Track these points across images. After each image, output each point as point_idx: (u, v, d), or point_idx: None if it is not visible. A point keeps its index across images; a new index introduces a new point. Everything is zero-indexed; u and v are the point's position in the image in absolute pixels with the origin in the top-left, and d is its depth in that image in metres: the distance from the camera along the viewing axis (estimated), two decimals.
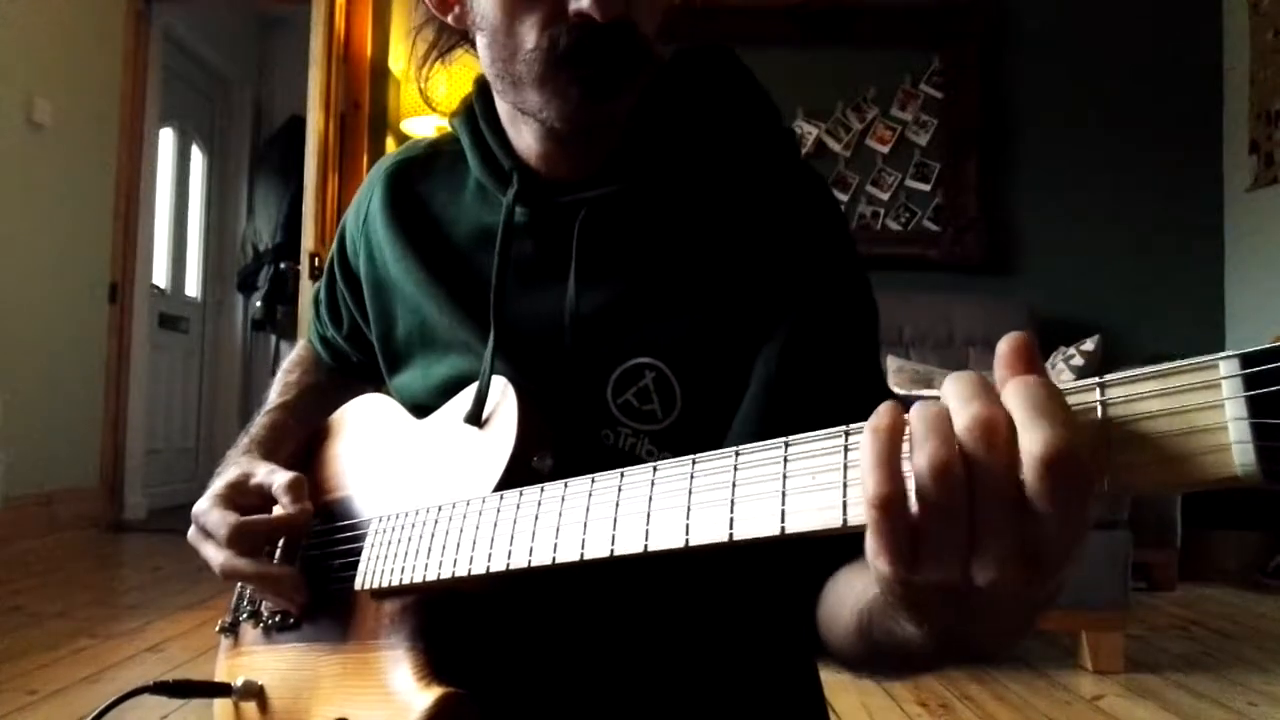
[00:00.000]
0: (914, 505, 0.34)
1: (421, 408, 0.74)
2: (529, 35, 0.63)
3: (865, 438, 0.35)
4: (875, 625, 0.46)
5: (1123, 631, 2.08)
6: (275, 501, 0.73)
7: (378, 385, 0.86)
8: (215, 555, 0.71)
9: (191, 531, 0.73)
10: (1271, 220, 3.31)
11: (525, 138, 0.72)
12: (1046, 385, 0.33)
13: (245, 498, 0.74)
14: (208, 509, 0.72)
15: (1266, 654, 2.24)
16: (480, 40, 0.68)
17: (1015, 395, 0.33)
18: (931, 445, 0.33)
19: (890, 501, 0.34)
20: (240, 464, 0.77)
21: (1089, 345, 2.98)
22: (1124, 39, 3.56)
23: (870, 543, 0.36)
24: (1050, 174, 3.55)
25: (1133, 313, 3.43)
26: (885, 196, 3.56)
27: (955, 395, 0.34)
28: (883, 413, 0.36)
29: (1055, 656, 2.18)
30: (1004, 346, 0.35)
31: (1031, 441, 0.31)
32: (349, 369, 0.93)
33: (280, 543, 0.74)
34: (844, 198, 3.54)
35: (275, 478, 0.73)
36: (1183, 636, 2.40)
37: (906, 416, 0.36)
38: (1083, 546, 0.33)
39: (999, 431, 0.33)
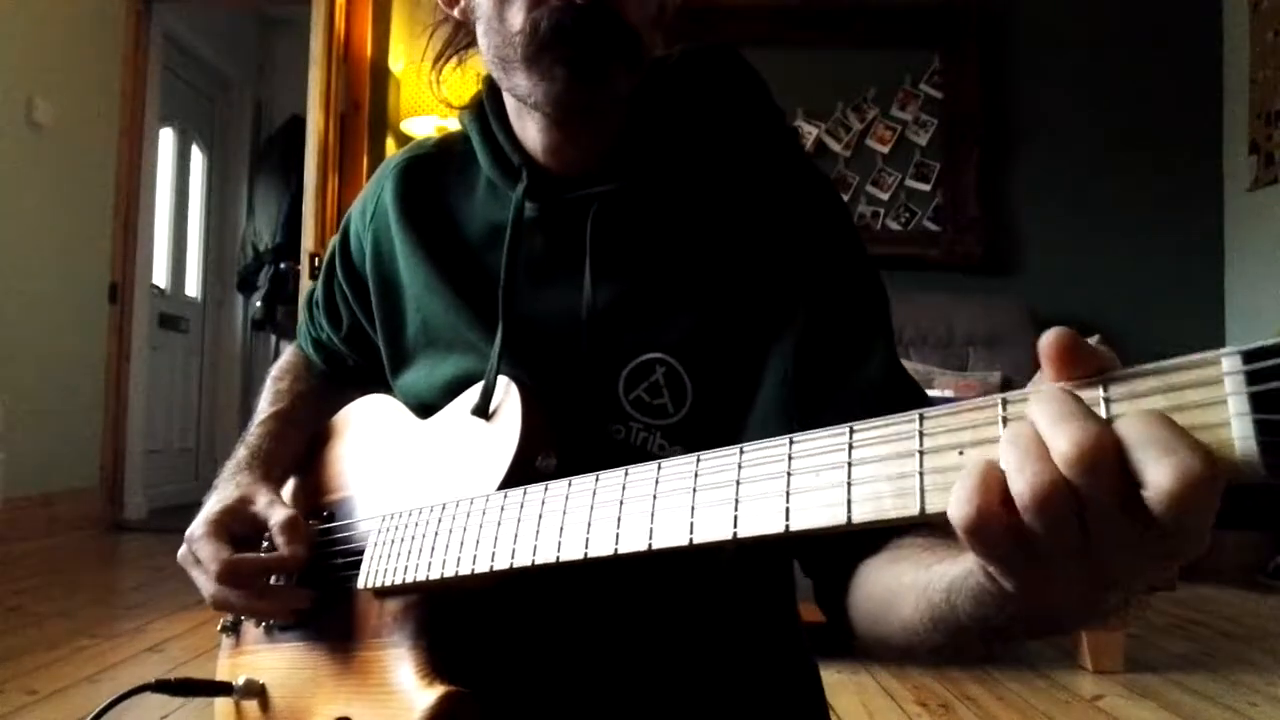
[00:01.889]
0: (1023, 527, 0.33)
1: (426, 407, 0.74)
2: (516, 19, 0.64)
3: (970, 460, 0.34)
4: (961, 611, 0.44)
5: (1123, 631, 2.08)
6: (269, 532, 0.72)
7: (371, 389, 0.85)
8: (205, 585, 0.71)
9: (182, 552, 0.73)
10: (1271, 220, 3.31)
11: (530, 131, 0.72)
12: (1158, 416, 0.31)
13: (240, 525, 0.73)
14: (200, 536, 0.71)
15: (1266, 654, 2.23)
16: (479, 30, 0.69)
17: (1132, 426, 0.31)
18: (1032, 470, 0.32)
19: (983, 522, 0.33)
20: (240, 484, 0.76)
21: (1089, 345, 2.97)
22: (1124, 39, 3.56)
23: (979, 562, 0.36)
24: (1050, 174, 3.54)
25: (1133, 313, 3.43)
26: (885, 196, 3.56)
27: (1046, 415, 0.33)
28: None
29: (1055, 656, 2.18)
30: (1046, 341, 0.34)
31: (1161, 475, 0.30)
32: (343, 373, 0.92)
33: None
34: (844, 198, 3.53)
35: (273, 513, 0.73)
36: (1183, 636, 2.40)
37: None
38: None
39: (1106, 459, 0.31)
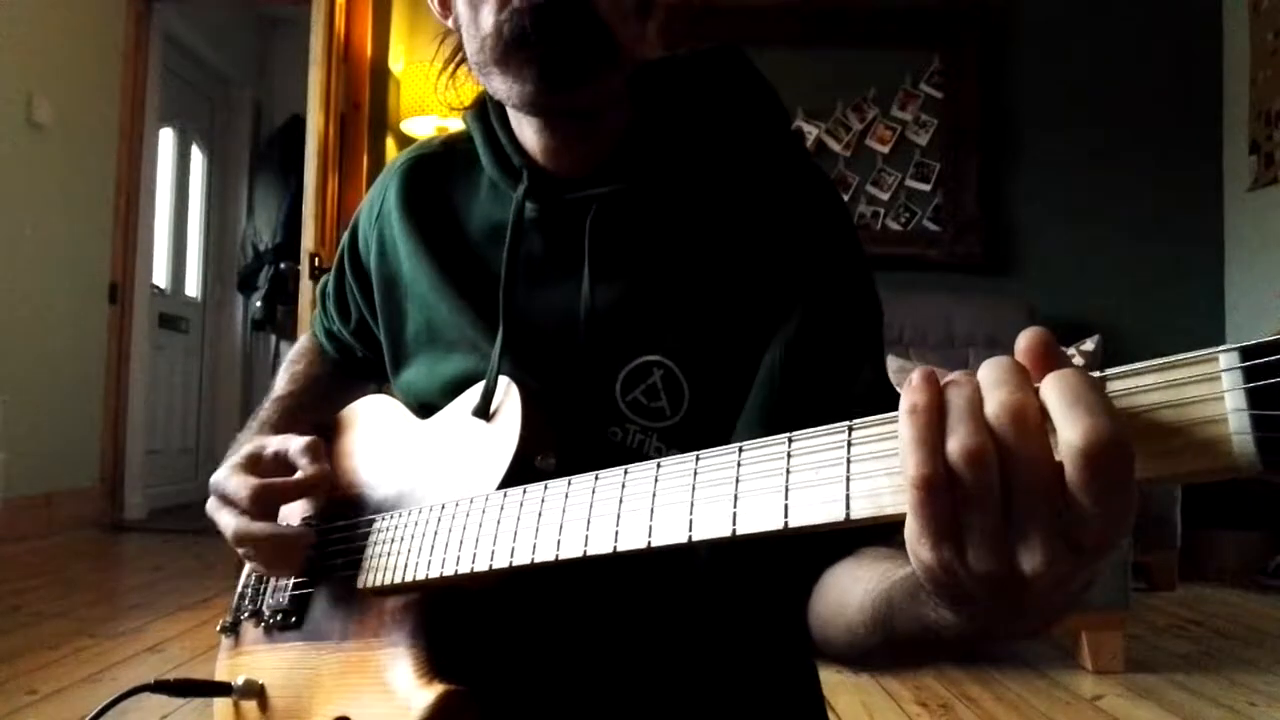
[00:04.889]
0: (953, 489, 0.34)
1: (427, 406, 0.74)
2: (487, 22, 0.64)
3: (902, 417, 0.35)
4: (899, 614, 0.46)
5: (1123, 631, 2.08)
6: (293, 467, 0.72)
7: (381, 381, 0.86)
8: (231, 520, 0.70)
9: (210, 502, 0.73)
10: (1271, 220, 3.31)
11: (528, 134, 0.72)
12: (1084, 376, 0.32)
13: (263, 466, 0.73)
14: (227, 476, 0.72)
15: (1266, 654, 2.24)
16: (464, 37, 0.70)
17: (1051, 386, 0.33)
18: (964, 430, 0.33)
19: (931, 482, 0.34)
20: (253, 441, 0.77)
21: (1089, 345, 2.98)
22: (1124, 39, 3.56)
23: (912, 526, 0.35)
24: (1050, 174, 3.54)
25: (1133, 313, 3.43)
26: (885, 196, 3.56)
27: (986, 380, 0.34)
28: (919, 389, 0.35)
29: (1055, 656, 2.18)
30: (1022, 343, 0.35)
31: (1070, 433, 0.31)
32: (354, 364, 0.93)
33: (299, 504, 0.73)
34: (844, 197, 3.53)
35: (291, 442, 0.73)
36: (1183, 636, 2.40)
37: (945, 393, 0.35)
38: (1128, 531, 0.33)
39: (1029, 419, 0.32)
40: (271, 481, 0.70)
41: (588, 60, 0.64)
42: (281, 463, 0.73)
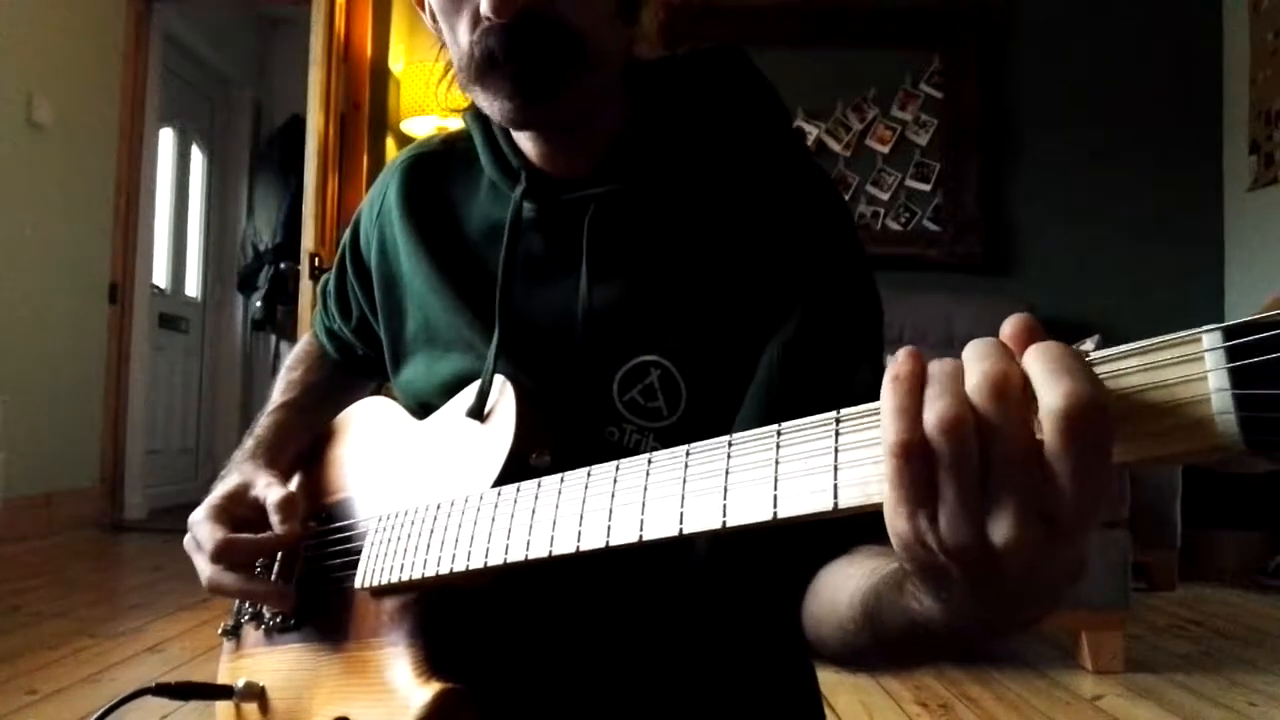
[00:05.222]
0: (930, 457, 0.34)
1: (425, 405, 0.74)
2: (463, 40, 0.65)
3: (885, 386, 0.35)
4: (886, 607, 0.46)
5: (1123, 631, 2.08)
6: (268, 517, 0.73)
7: (382, 380, 0.87)
8: (203, 568, 0.72)
9: (187, 539, 0.74)
10: (1271, 220, 3.31)
11: (523, 139, 0.72)
12: (1066, 347, 0.33)
13: (241, 509, 0.74)
14: (201, 520, 0.73)
15: (1266, 654, 2.23)
16: (450, 51, 0.70)
17: (1033, 355, 0.33)
18: (943, 402, 0.34)
19: (908, 449, 0.34)
20: (243, 471, 0.77)
21: (1089, 345, 2.97)
22: (1124, 39, 3.56)
23: (889, 497, 0.35)
24: (1050, 174, 3.54)
25: (1133, 313, 3.43)
26: (885, 196, 3.56)
27: (970, 355, 0.35)
28: (903, 362, 0.36)
29: (1055, 656, 2.18)
30: (1008, 328, 0.36)
31: (1051, 395, 0.31)
32: (354, 363, 0.93)
33: (279, 557, 0.74)
34: (844, 197, 3.53)
35: (270, 494, 0.73)
36: (1183, 636, 2.40)
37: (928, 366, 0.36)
38: (1102, 509, 0.33)
39: (1009, 391, 0.33)
40: (237, 538, 0.71)
41: (561, 70, 0.64)
42: (259, 509, 0.73)
